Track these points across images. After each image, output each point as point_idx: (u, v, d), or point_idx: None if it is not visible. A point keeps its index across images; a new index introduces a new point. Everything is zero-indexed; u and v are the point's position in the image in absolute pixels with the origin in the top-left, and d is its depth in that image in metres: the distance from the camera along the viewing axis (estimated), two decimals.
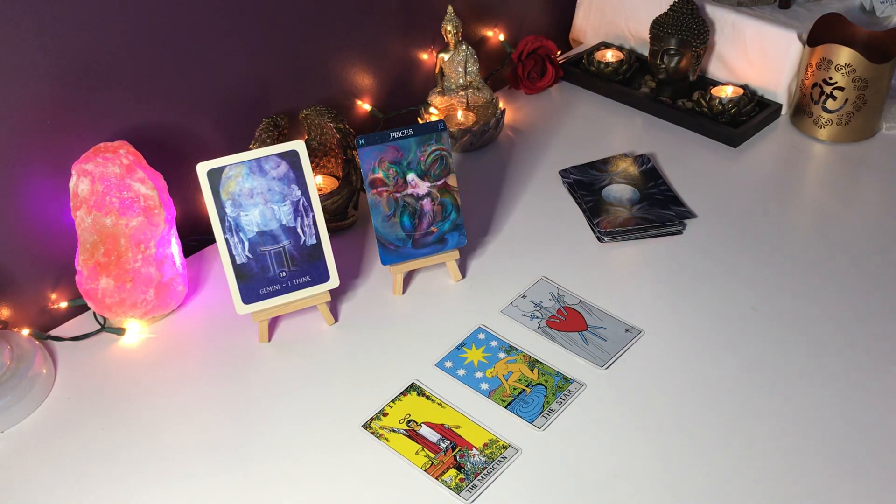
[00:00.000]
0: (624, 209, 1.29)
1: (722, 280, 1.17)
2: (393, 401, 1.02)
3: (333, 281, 1.11)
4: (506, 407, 1.01)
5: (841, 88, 1.39)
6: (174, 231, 1.14)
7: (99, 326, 1.14)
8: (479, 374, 1.05)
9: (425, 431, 0.98)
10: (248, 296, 1.08)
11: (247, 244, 1.07)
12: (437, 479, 0.93)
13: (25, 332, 1.11)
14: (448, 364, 1.07)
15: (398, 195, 1.13)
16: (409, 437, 0.98)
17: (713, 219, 1.29)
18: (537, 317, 1.13)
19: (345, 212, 1.29)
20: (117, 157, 1.06)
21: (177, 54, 1.18)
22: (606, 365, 1.05)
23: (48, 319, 1.16)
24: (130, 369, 1.09)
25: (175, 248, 1.14)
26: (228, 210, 1.06)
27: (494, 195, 1.37)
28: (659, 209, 1.29)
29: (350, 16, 1.38)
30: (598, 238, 1.26)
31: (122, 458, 0.97)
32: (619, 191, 1.33)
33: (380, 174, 1.12)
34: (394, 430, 0.98)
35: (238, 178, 1.05)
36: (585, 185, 1.36)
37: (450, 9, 1.40)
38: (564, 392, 1.02)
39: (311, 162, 1.33)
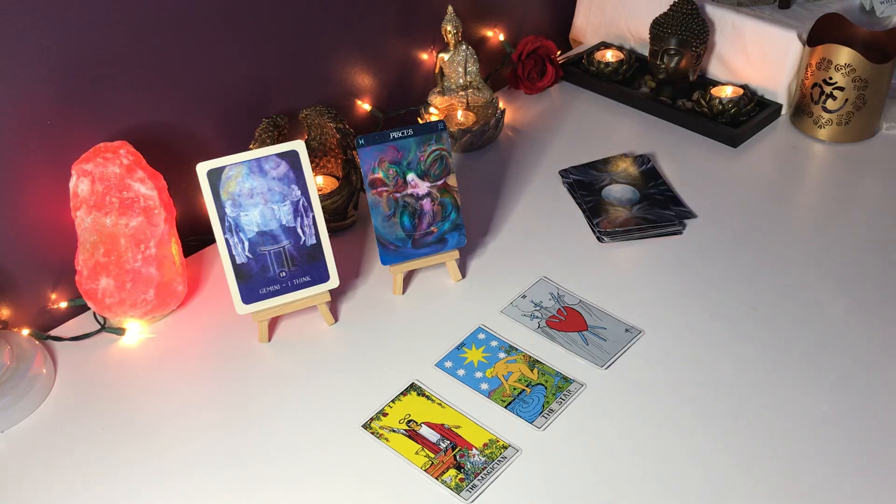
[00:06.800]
0: (624, 209, 1.29)
1: (722, 280, 1.17)
2: (393, 401, 1.02)
3: (333, 281, 1.11)
4: (506, 407, 1.01)
5: (841, 88, 1.39)
6: (174, 231, 1.14)
7: (99, 326, 1.14)
8: (478, 374, 1.05)
9: (425, 431, 0.98)
10: (248, 296, 1.08)
11: (247, 244, 1.07)
12: (436, 479, 0.93)
13: (25, 332, 1.11)
14: (448, 364, 1.07)
15: (398, 195, 1.13)
16: (409, 437, 0.98)
17: (713, 219, 1.28)
18: (537, 317, 1.13)
19: (345, 212, 1.29)
20: (117, 157, 1.06)
21: (177, 54, 1.18)
22: (606, 365, 1.05)
23: (48, 319, 1.16)
24: (130, 369, 1.09)
25: (175, 248, 1.14)
26: (228, 210, 1.06)
27: (494, 195, 1.37)
28: (659, 209, 1.29)
29: (350, 16, 1.38)
30: (598, 238, 1.26)
31: (121, 458, 0.97)
32: (619, 191, 1.33)
33: (380, 174, 1.12)
34: (394, 430, 0.98)
35: (238, 178, 1.05)
36: (585, 185, 1.35)
37: (450, 9, 1.40)
38: (564, 392, 1.02)
39: (311, 162, 1.33)
